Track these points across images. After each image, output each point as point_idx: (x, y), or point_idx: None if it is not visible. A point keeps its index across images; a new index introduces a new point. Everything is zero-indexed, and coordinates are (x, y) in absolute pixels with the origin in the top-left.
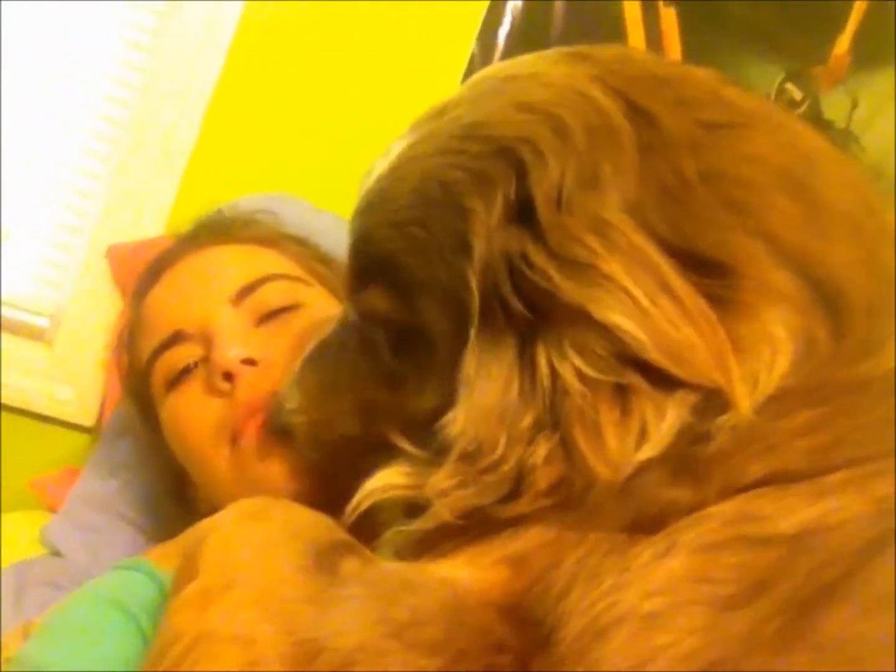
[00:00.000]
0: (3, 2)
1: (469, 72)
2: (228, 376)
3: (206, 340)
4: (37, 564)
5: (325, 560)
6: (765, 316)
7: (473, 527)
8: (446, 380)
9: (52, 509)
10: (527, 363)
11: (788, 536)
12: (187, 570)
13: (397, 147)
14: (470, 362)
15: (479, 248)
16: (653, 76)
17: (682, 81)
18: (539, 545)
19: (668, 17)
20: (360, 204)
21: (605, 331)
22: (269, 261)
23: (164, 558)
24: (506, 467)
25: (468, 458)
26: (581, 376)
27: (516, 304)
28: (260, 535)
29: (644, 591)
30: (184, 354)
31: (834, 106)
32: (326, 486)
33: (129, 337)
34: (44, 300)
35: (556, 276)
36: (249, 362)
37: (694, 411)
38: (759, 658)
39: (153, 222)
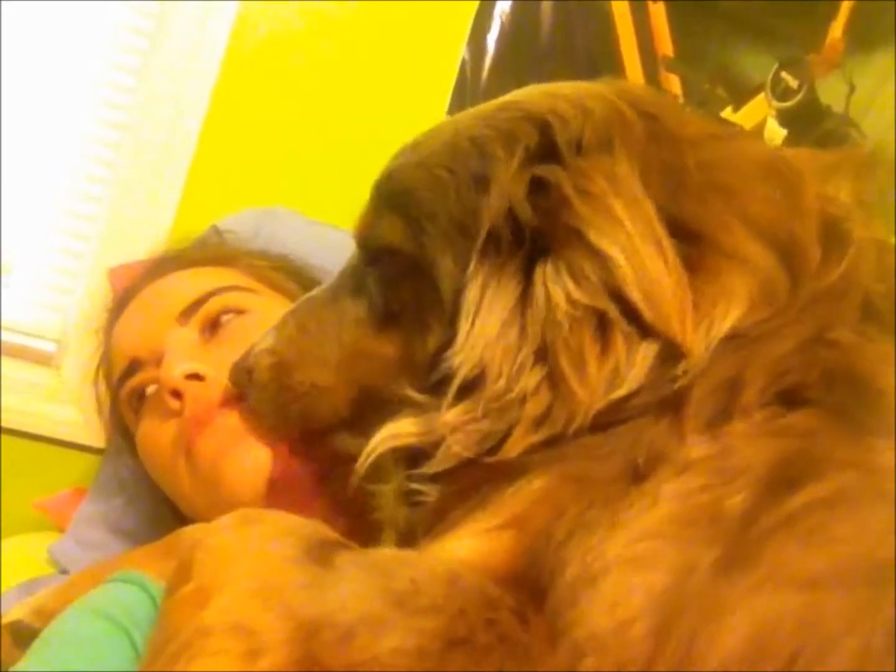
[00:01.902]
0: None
1: (460, 78)
2: (176, 394)
3: (159, 363)
4: (44, 582)
5: (318, 553)
6: (729, 278)
7: (476, 486)
8: (447, 321)
9: (62, 529)
10: (529, 300)
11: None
12: (181, 574)
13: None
14: (472, 291)
15: (496, 184)
16: (665, 101)
17: (688, 111)
18: (540, 500)
19: (658, 13)
20: (395, 153)
21: (598, 257)
22: (218, 277)
23: (145, 560)
24: (511, 396)
25: (472, 388)
26: (570, 300)
27: (529, 218)
28: (253, 535)
29: (630, 538)
30: (142, 381)
31: (831, 91)
32: (284, 493)
33: (102, 370)
34: (49, 326)
35: (572, 195)
36: (195, 377)
37: (660, 358)
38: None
39: (154, 242)
